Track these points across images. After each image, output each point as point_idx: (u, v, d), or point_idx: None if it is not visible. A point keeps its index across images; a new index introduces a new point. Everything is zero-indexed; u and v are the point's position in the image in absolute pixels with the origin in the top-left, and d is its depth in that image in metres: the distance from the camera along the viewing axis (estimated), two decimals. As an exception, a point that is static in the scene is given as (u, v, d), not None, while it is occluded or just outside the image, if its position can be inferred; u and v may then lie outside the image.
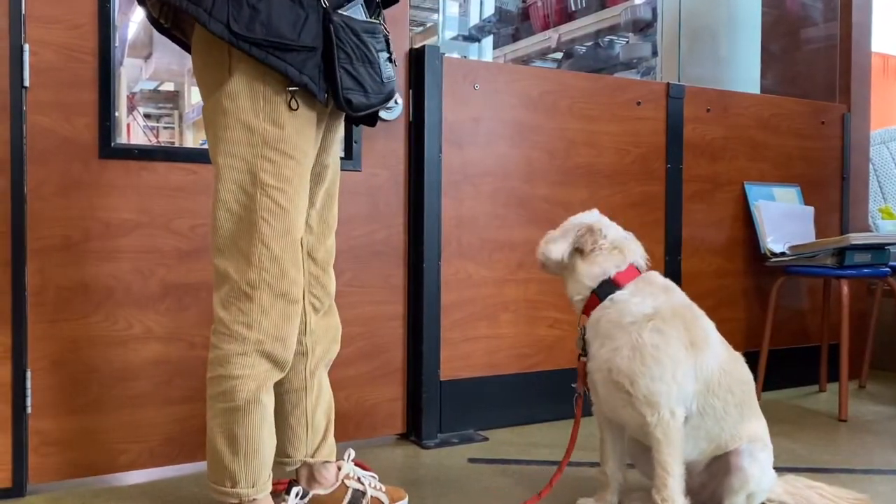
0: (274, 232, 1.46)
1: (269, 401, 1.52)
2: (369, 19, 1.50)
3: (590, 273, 1.64)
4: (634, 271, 1.65)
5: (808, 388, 3.15)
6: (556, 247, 1.67)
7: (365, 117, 1.66)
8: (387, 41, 1.54)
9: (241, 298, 1.46)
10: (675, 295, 1.65)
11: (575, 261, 1.67)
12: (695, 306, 1.67)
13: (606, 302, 1.61)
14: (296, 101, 1.45)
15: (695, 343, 1.58)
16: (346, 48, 1.44)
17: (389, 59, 1.54)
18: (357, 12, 1.47)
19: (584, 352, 1.66)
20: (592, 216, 1.73)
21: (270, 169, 1.45)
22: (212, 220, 1.49)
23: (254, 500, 1.52)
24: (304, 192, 1.52)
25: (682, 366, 1.55)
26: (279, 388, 1.67)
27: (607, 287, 1.63)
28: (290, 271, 1.48)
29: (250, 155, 1.44)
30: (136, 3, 1.62)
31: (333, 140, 1.68)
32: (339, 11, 1.45)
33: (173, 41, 1.65)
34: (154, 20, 1.59)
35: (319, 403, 1.72)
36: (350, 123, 1.75)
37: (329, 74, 1.45)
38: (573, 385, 1.72)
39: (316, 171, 1.63)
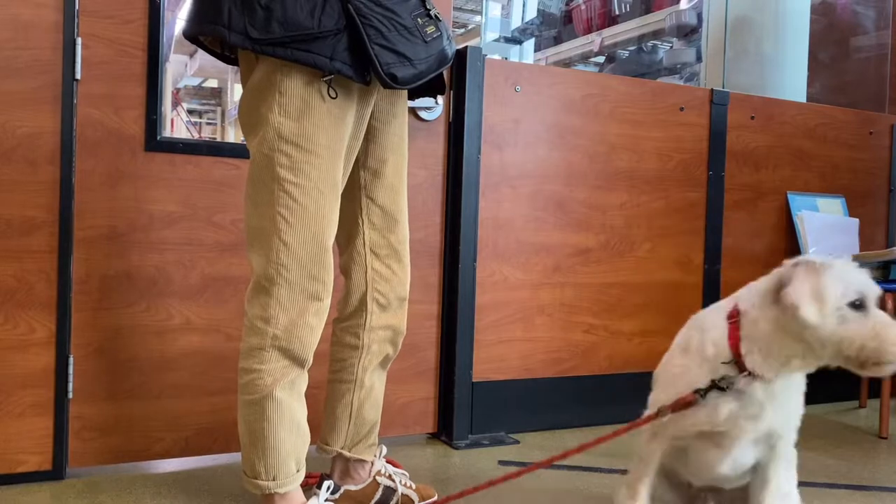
0: (291, 228, 1.43)
1: (286, 397, 1.48)
2: None
3: None
4: None
5: (847, 404, 3.08)
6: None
7: (430, 87, 1.56)
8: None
9: (262, 293, 1.45)
10: None
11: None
12: None
13: None
14: (333, 90, 1.40)
15: None
16: (374, 23, 1.35)
17: (428, 15, 1.43)
18: None
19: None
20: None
21: (287, 163, 1.41)
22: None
23: (275, 493, 1.51)
24: (331, 190, 1.46)
25: None
26: (332, 375, 1.69)
27: None
28: (311, 268, 1.45)
29: (268, 149, 1.42)
30: (183, 1, 1.64)
31: (387, 132, 1.62)
32: None
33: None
34: (219, 55, 1.59)
35: (367, 401, 1.69)
36: (416, 97, 1.63)
37: (364, 56, 1.36)
38: (662, 408, 1.42)
39: (372, 167, 1.61)
